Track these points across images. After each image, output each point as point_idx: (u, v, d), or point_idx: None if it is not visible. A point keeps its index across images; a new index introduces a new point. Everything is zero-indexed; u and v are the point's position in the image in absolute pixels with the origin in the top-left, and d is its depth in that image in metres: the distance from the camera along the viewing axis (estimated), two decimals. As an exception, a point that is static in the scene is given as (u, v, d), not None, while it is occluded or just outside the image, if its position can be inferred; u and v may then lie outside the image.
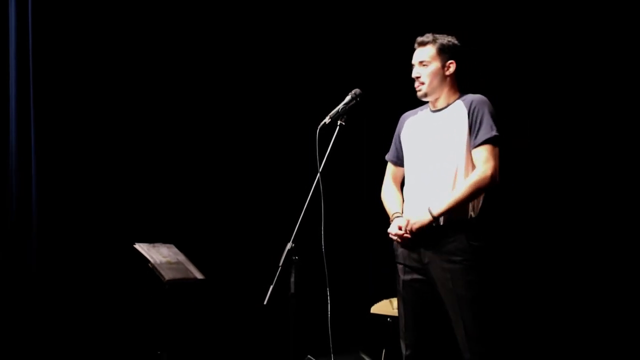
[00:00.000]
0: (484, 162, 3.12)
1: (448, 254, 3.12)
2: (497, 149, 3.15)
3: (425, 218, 3.13)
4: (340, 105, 3.22)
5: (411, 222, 3.15)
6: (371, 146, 5.07)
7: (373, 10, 5.05)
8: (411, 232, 3.15)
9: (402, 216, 3.24)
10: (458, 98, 3.27)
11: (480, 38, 4.81)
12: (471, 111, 3.17)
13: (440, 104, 3.29)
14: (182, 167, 5.12)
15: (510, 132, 4.65)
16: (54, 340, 4.60)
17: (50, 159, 4.67)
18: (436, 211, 3.12)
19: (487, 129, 3.13)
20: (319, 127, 3.15)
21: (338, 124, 3.20)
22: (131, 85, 4.99)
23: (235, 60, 5.27)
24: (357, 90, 3.26)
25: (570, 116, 4.57)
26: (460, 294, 3.09)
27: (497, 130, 3.14)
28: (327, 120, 3.18)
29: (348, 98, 3.24)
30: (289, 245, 3.01)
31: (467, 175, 3.16)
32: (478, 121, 3.15)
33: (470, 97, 3.24)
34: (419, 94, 3.28)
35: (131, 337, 4.81)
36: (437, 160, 3.19)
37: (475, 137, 3.14)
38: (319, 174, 3.11)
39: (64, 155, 4.73)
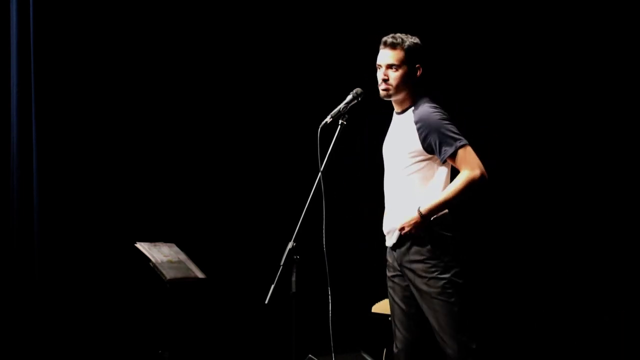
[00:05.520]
0: (465, 164, 3.09)
1: (415, 252, 3.15)
2: (468, 149, 3.11)
3: (412, 216, 3.12)
4: (342, 105, 3.21)
5: (405, 225, 3.15)
6: (372, 145, 5.06)
7: (374, 9, 5.05)
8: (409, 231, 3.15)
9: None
10: (413, 103, 3.24)
11: (478, 38, 4.82)
12: (420, 130, 3.14)
13: (402, 106, 3.28)
14: (184, 166, 5.12)
15: (505, 132, 4.73)
16: (55, 340, 4.60)
17: (51, 158, 4.67)
18: (424, 209, 3.11)
19: (450, 141, 3.09)
20: (320, 127, 3.15)
21: (339, 123, 3.20)
22: (133, 84, 5.00)
23: (236, 60, 5.26)
24: (358, 90, 3.25)
25: (565, 116, 4.60)
26: (429, 286, 3.11)
27: (459, 136, 3.10)
28: (328, 119, 3.18)
29: (349, 97, 3.23)
30: (290, 245, 3.01)
31: (425, 184, 3.16)
32: (436, 140, 3.10)
33: (420, 108, 3.19)
34: (383, 93, 3.24)
35: (132, 336, 4.82)
36: (397, 167, 3.23)
37: (440, 153, 3.12)
38: (320, 174, 3.11)
39: (65, 154, 4.74)
